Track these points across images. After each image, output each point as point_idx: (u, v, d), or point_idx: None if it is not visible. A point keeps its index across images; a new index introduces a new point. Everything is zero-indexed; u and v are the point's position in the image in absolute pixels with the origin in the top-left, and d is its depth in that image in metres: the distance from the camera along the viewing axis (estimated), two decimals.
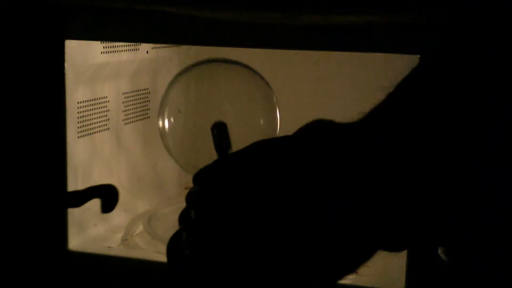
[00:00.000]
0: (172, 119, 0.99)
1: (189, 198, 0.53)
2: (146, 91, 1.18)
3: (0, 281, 0.91)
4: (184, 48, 1.27)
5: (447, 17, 0.61)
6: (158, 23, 0.85)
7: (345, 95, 1.23)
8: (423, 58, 0.73)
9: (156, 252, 0.97)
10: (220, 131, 0.66)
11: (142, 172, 1.18)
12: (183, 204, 1.31)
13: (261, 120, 0.99)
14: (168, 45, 1.19)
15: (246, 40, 0.84)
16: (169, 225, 1.08)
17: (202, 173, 0.54)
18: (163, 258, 0.93)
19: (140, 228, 1.07)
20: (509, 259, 0.46)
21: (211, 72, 1.01)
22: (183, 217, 0.54)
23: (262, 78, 1.00)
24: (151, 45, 1.13)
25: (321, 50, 0.87)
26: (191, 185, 1.43)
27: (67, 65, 0.90)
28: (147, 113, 1.19)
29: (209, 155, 0.65)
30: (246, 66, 1.01)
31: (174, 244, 0.53)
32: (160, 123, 1.00)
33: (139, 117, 1.16)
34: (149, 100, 1.19)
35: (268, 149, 0.51)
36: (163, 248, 0.97)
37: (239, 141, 0.65)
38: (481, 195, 0.46)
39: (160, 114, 1.00)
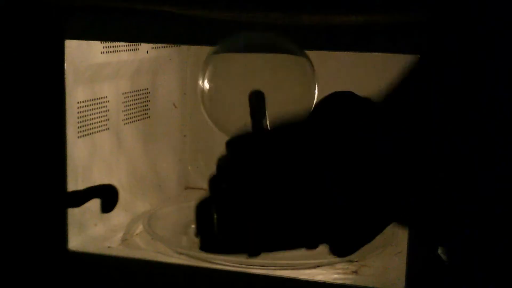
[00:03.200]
0: (212, 82, 0.99)
1: (221, 165, 0.58)
2: (146, 91, 1.18)
3: (0, 281, 0.91)
4: (184, 48, 1.27)
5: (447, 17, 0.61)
6: (158, 23, 0.85)
7: None
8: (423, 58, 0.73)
9: (156, 252, 0.97)
10: (257, 100, 0.68)
11: (142, 172, 1.18)
12: (183, 204, 1.31)
13: (298, 91, 0.99)
14: (168, 45, 1.19)
15: None
16: (169, 225, 1.09)
17: (235, 143, 0.58)
18: (163, 258, 0.94)
19: (140, 228, 1.07)
20: (509, 259, 0.46)
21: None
22: (213, 184, 0.58)
23: (306, 54, 1.00)
24: (151, 45, 1.13)
25: (321, 50, 0.87)
26: (191, 185, 1.43)
27: (67, 65, 0.90)
28: (147, 113, 1.19)
29: (243, 119, 0.67)
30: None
31: (203, 210, 0.58)
32: (200, 83, 1.00)
33: (139, 117, 1.16)
34: (149, 100, 1.19)
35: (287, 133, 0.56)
36: (163, 248, 0.98)
37: (274, 108, 0.67)
38: (481, 194, 0.46)
39: (201, 75, 0.99)
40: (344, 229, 0.53)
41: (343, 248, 0.54)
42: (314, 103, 0.98)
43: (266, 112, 0.67)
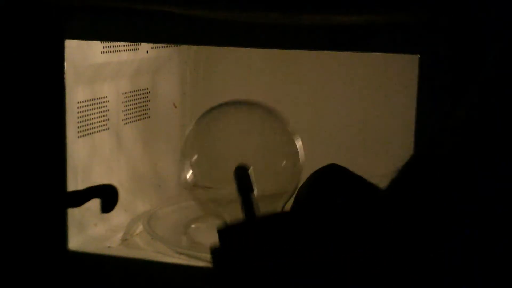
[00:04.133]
0: (195, 168, 1.00)
1: (216, 258, 0.57)
2: (146, 91, 1.18)
3: (0, 281, 0.91)
4: (184, 48, 1.27)
5: (447, 17, 0.61)
6: (158, 23, 0.85)
7: (345, 95, 1.23)
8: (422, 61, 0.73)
9: (156, 252, 0.97)
10: (242, 175, 0.68)
11: (142, 172, 1.18)
12: (183, 204, 1.31)
13: (284, 162, 0.99)
14: (168, 45, 1.19)
15: (246, 40, 0.84)
16: (169, 225, 1.09)
17: (227, 233, 0.57)
18: (163, 258, 0.94)
19: (140, 228, 1.07)
20: (509, 259, 0.46)
21: (231, 114, 1.01)
22: (212, 280, 0.58)
23: (284, 121, 1.01)
24: (151, 45, 1.13)
25: (321, 50, 0.87)
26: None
27: (67, 65, 0.90)
28: (147, 113, 1.19)
29: (234, 196, 0.67)
30: (267, 108, 1.01)
31: None
32: (183, 175, 1.00)
33: (139, 117, 1.16)
34: (149, 100, 1.19)
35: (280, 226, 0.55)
36: (163, 248, 0.98)
37: (262, 182, 0.67)
38: (481, 194, 0.46)
39: (182, 165, 1.00)
40: None
41: None
42: (300, 173, 0.98)
43: (254, 185, 0.67)
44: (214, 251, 0.57)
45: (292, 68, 1.24)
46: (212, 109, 0.98)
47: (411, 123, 0.78)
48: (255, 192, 0.66)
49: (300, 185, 0.62)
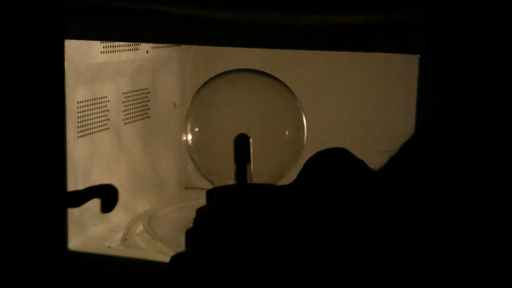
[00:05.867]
0: (196, 132, 0.99)
1: (200, 216, 0.55)
2: (146, 91, 1.18)
3: (0, 281, 0.91)
4: (184, 48, 1.27)
5: (447, 17, 0.61)
6: (158, 23, 0.85)
7: (345, 95, 1.23)
8: (423, 61, 0.73)
9: (156, 252, 0.97)
10: (241, 144, 0.67)
11: (142, 172, 1.18)
12: (183, 204, 1.31)
13: (287, 132, 0.99)
14: (168, 45, 1.19)
15: (246, 40, 0.84)
16: (169, 225, 1.09)
17: (216, 194, 0.57)
18: (163, 258, 0.94)
19: (140, 228, 1.07)
20: (509, 259, 0.46)
21: (236, 82, 1.01)
22: (191, 236, 0.56)
23: (291, 91, 1.00)
24: (151, 44, 1.13)
25: (321, 50, 0.87)
26: (191, 185, 1.43)
27: (67, 65, 0.90)
28: (147, 113, 1.19)
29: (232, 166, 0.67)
30: (273, 77, 1.01)
31: (178, 263, 0.54)
32: (184, 136, 1.00)
33: (139, 117, 1.16)
34: (149, 100, 1.19)
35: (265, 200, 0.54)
36: (163, 248, 0.98)
37: (264, 152, 0.67)
38: (481, 194, 0.46)
39: (184, 128, 1.00)
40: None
41: None
42: (303, 143, 0.98)
43: (251, 157, 0.66)
44: (199, 210, 0.56)
45: (292, 68, 1.24)
46: (215, 77, 0.97)
47: (411, 123, 0.78)
48: (252, 164, 0.66)
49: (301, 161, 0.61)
